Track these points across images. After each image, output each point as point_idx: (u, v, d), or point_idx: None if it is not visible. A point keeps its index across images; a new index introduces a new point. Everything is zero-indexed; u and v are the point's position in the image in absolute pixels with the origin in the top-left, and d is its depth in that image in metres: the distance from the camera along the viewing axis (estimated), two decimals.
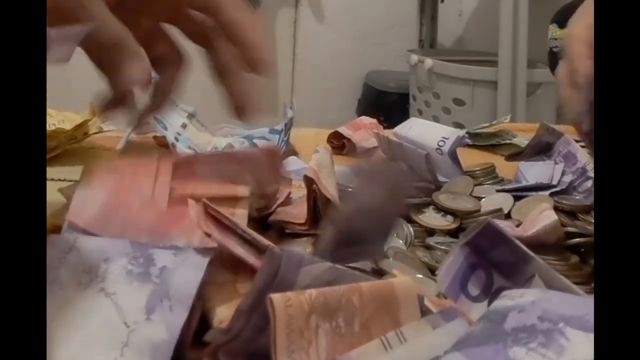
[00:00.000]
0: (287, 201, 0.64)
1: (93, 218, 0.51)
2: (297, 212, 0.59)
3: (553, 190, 0.66)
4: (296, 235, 0.58)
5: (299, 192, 0.62)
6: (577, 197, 0.66)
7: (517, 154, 0.82)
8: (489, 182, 0.71)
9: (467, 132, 0.83)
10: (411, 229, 0.59)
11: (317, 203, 0.57)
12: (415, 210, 0.62)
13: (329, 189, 0.56)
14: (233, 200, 0.57)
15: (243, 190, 0.57)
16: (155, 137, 0.76)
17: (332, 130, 0.91)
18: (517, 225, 0.58)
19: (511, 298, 0.34)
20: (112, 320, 0.40)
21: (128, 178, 0.58)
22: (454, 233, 0.60)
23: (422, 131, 0.80)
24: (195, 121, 0.89)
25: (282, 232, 0.59)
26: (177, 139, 0.81)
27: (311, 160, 0.59)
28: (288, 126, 0.82)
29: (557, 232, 0.55)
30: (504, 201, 0.64)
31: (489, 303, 0.39)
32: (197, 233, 0.49)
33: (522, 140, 0.90)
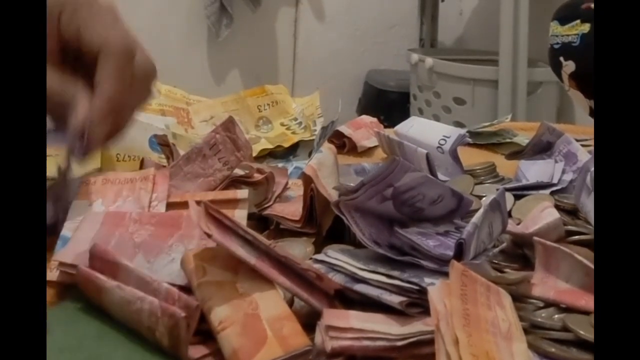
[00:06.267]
0: (285, 191, 0.64)
1: (91, 238, 0.51)
2: (294, 209, 0.59)
3: (553, 189, 0.66)
4: (295, 234, 0.58)
5: (300, 190, 0.62)
6: None
7: (518, 153, 0.81)
8: (489, 181, 0.71)
9: (468, 131, 0.83)
10: None
11: (314, 201, 0.57)
12: None
13: (328, 188, 0.56)
14: (233, 203, 0.57)
15: (242, 193, 0.58)
16: (156, 136, 0.76)
17: None
18: (518, 224, 0.58)
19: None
20: None
21: (126, 189, 0.59)
22: None
23: (423, 130, 0.80)
24: None
25: (282, 232, 0.59)
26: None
27: (312, 159, 0.59)
28: (331, 127, 0.79)
29: (558, 230, 0.55)
30: None
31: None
32: (194, 239, 0.49)
33: (523, 139, 0.90)
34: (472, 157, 0.81)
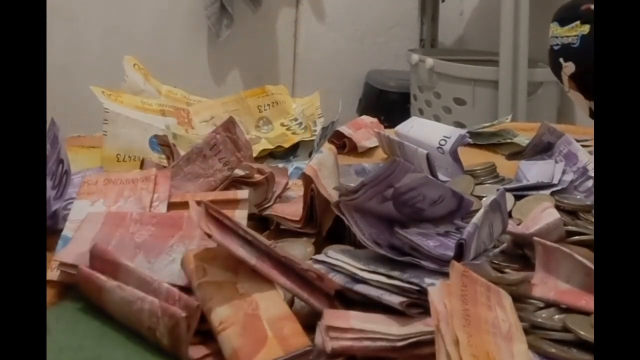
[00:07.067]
0: (285, 191, 0.64)
1: (92, 238, 0.51)
2: (295, 209, 0.59)
3: (554, 189, 0.66)
4: (296, 235, 0.58)
5: (300, 190, 0.62)
6: (578, 197, 0.65)
7: (518, 153, 0.82)
8: (489, 181, 0.71)
9: (468, 132, 0.83)
10: None
11: (314, 202, 0.57)
12: None
13: (328, 188, 0.56)
14: (233, 203, 0.57)
15: (242, 194, 0.58)
16: (157, 137, 0.76)
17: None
18: (518, 224, 0.58)
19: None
20: None
21: (127, 189, 0.59)
22: None
23: (423, 130, 0.80)
24: None
25: (282, 232, 0.59)
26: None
27: (312, 159, 0.59)
28: (331, 128, 0.80)
29: (558, 231, 0.55)
30: None
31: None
32: (194, 240, 0.49)
33: (523, 139, 0.90)
34: (472, 158, 0.81)
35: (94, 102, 0.79)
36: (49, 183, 0.56)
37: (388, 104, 2.29)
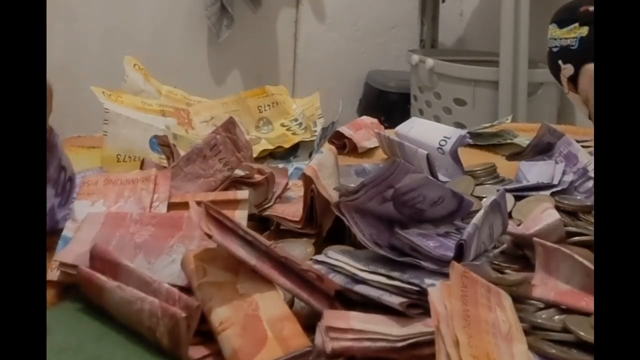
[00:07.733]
0: (285, 192, 0.64)
1: (92, 238, 0.51)
2: (295, 210, 0.59)
3: (554, 190, 0.66)
4: (296, 235, 0.58)
5: (300, 191, 0.62)
6: (578, 197, 0.65)
7: (518, 154, 0.82)
8: (490, 182, 0.71)
9: (468, 132, 0.83)
10: None
11: (314, 202, 0.57)
12: None
13: (328, 189, 0.56)
14: (233, 203, 0.57)
15: (242, 194, 0.58)
16: (157, 137, 0.77)
17: None
18: (518, 225, 0.58)
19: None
20: None
21: (127, 190, 0.59)
22: None
23: (423, 131, 0.80)
24: None
25: (282, 232, 0.59)
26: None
27: (312, 160, 0.59)
28: (331, 128, 0.80)
29: (558, 231, 0.55)
30: None
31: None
32: (194, 240, 0.49)
33: (523, 140, 0.90)
34: (472, 158, 0.81)
35: (94, 102, 0.79)
36: (51, 191, 0.56)
37: (388, 104, 2.29)
